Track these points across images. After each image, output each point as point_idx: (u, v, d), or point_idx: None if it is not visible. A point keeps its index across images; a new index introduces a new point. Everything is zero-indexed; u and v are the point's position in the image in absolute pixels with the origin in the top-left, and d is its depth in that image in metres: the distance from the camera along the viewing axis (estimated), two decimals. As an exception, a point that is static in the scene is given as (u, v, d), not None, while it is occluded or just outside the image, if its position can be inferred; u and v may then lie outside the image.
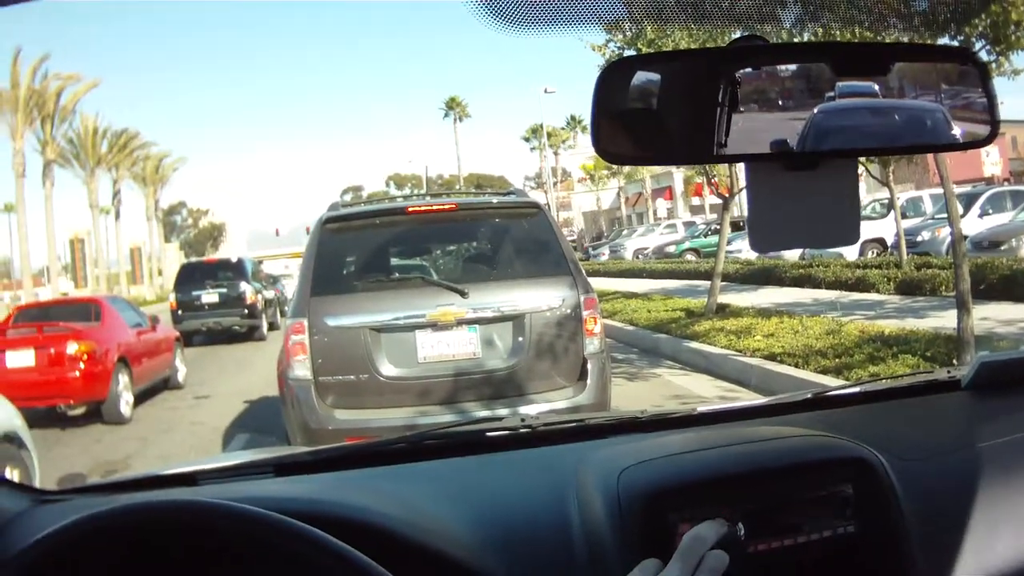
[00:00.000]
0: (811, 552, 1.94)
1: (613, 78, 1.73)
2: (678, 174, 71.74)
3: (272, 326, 29.41)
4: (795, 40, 2.17)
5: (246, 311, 28.70)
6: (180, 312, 28.35)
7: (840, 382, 9.49)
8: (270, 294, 32.13)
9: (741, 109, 1.70)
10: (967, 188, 34.10)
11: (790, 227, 1.83)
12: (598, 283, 23.95)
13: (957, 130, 1.81)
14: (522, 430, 2.63)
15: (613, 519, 1.89)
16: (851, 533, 1.97)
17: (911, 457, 2.23)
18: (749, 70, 1.74)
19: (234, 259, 31.93)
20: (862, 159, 21.40)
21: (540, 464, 2.35)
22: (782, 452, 2.12)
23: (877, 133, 1.81)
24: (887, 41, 2.39)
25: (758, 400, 3.11)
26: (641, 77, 1.74)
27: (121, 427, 14.17)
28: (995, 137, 1.83)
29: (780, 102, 1.76)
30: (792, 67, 1.78)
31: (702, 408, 2.84)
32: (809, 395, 2.92)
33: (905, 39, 2.57)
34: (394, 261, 9.02)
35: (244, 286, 28.96)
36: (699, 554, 1.52)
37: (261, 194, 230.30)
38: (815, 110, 1.73)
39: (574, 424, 2.70)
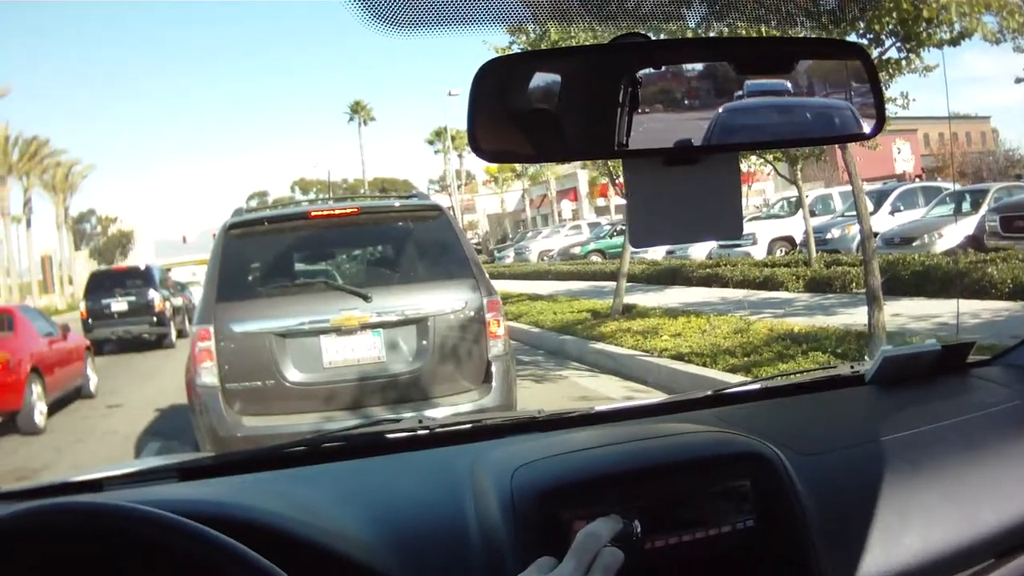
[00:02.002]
0: (711, 548, 1.95)
1: (490, 75, 1.72)
2: (583, 175, 71.53)
3: (181, 333, 28.96)
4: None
5: (155, 319, 28.46)
6: (90, 321, 28.04)
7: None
8: (178, 301, 31.74)
9: (640, 109, 1.72)
10: (878, 185, 34.34)
11: (671, 222, 1.84)
12: (503, 285, 23.94)
13: (843, 124, 1.85)
14: (420, 431, 2.63)
15: (507, 517, 1.90)
16: (751, 528, 1.97)
17: (813, 451, 2.25)
18: (650, 69, 1.76)
19: (142, 267, 31.61)
20: (769, 156, 21.63)
21: (437, 464, 2.36)
22: (678, 448, 2.13)
23: (767, 129, 1.84)
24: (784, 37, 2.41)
25: (658, 398, 3.13)
26: (519, 73, 1.75)
27: (36, 437, 14.01)
28: (879, 131, 1.88)
29: (678, 101, 1.78)
30: (690, 67, 1.80)
31: (600, 407, 2.85)
32: (710, 392, 2.92)
33: (813, 36, 2.62)
34: (298, 266, 9.01)
35: (152, 294, 28.70)
36: (593, 551, 1.52)
37: (168, 201, 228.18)
38: (720, 108, 1.77)
39: (472, 425, 2.71)
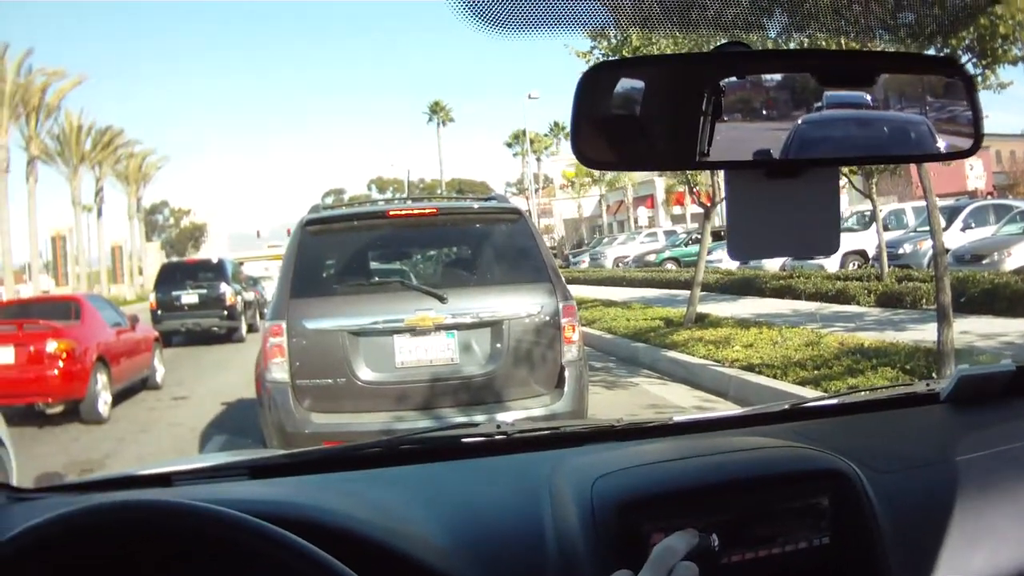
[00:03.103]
0: (786, 564, 1.94)
1: (594, 82, 1.71)
2: (660, 182, 71.55)
3: (251, 328, 29.34)
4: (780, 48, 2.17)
5: (225, 312, 28.59)
6: (160, 312, 28.25)
7: (818, 394, 9.48)
8: (250, 296, 32.05)
9: (725, 118, 1.69)
10: (950, 201, 34.10)
11: (770, 235, 1.82)
12: (577, 290, 23.96)
13: (941, 142, 1.80)
14: (497, 437, 2.61)
15: (586, 527, 1.88)
16: (826, 545, 1.97)
17: (888, 469, 2.22)
18: (734, 79, 1.72)
19: (214, 260, 31.81)
20: (844, 169, 21.49)
21: (514, 471, 2.34)
22: (757, 463, 2.12)
23: (860, 143, 1.80)
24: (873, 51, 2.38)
25: (734, 411, 3.10)
26: (624, 83, 1.72)
27: (99, 426, 14.09)
28: (978, 149, 1.83)
29: (764, 112, 1.74)
30: (777, 77, 1.77)
31: (678, 418, 2.82)
32: (786, 406, 2.90)
33: (891, 50, 2.57)
34: (374, 265, 9.02)
35: (224, 287, 28.84)
36: (669, 565, 1.51)
37: (243, 195, 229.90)
38: (799, 120, 1.72)
39: (549, 431, 2.69)
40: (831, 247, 1.85)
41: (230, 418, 13.24)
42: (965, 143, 1.82)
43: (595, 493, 1.94)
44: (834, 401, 3.03)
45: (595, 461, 2.13)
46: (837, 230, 1.83)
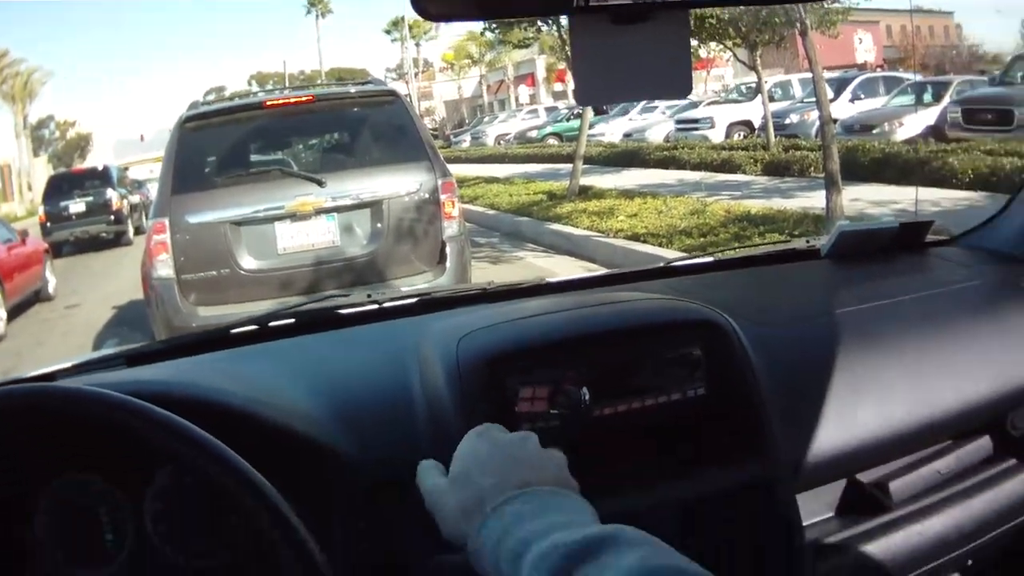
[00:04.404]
0: (661, 416, 1.91)
1: None
2: (540, 61, 70.84)
3: (138, 231, 28.62)
4: None
5: (112, 217, 28.28)
6: (48, 224, 27.74)
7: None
8: (136, 199, 31.45)
9: None
10: (839, 74, 34.22)
11: (619, 80, 1.77)
12: (460, 169, 23.75)
13: None
14: (369, 306, 2.60)
15: (452, 386, 1.86)
16: (701, 396, 1.93)
17: (767, 323, 2.20)
18: None
19: (100, 167, 31.37)
20: (728, 43, 21.47)
21: (385, 337, 2.33)
22: (627, 314, 2.08)
23: None
24: None
25: (610, 271, 3.07)
26: None
27: (-4, 343, 13.94)
28: None
29: None
30: None
31: (551, 279, 2.80)
32: (662, 264, 2.91)
33: None
34: (254, 156, 8.91)
35: (110, 193, 28.47)
36: None
37: (127, 102, 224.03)
38: None
39: (420, 298, 2.66)
40: (683, 89, 1.80)
41: (122, 320, 13.13)
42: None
43: (460, 351, 1.91)
44: (711, 259, 3.02)
45: (462, 322, 2.09)
46: (688, 72, 1.78)
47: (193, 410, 1.50)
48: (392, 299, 2.67)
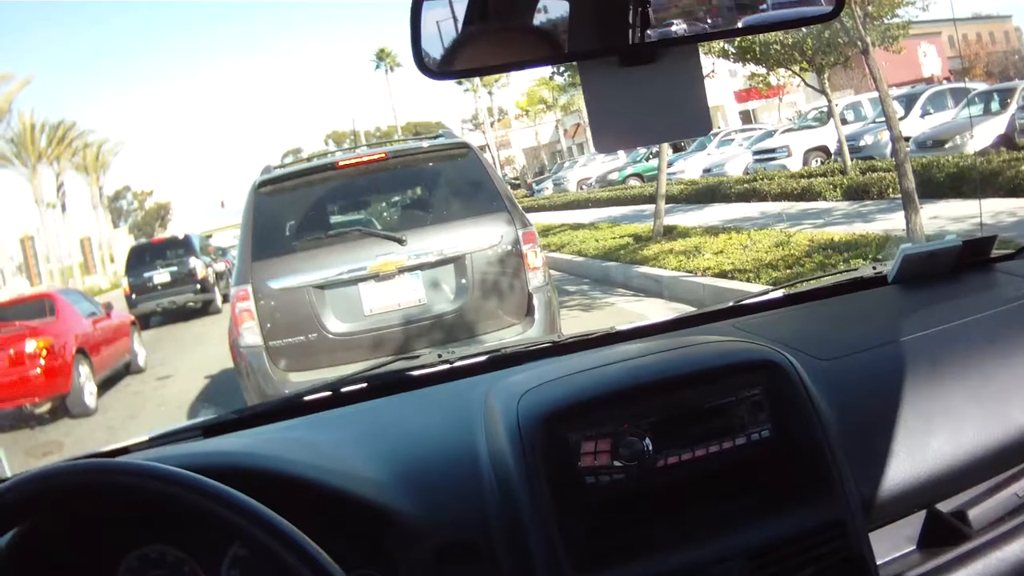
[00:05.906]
0: (728, 460, 1.93)
1: None
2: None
3: (226, 298, 29.11)
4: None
5: (198, 286, 28.52)
6: (134, 296, 28.10)
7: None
8: (220, 266, 31.86)
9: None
10: (906, 89, 34.02)
11: (633, 124, 1.78)
12: (544, 217, 23.94)
13: (799, 7, 1.78)
14: (440, 366, 2.62)
15: (514, 443, 1.88)
16: (767, 438, 1.95)
17: (833, 356, 2.20)
18: None
19: (181, 236, 31.68)
20: (795, 67, 21.41)
21: (453, 397, 2.35)
22: (683, 361, 2.09)
23: (715, 16, 1.77)
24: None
25: (679, 314, 3.06)
26: None
27: (88, 418, 14.08)
28: (841, 9, 1.79)
29: None
30: None
31: (621, 326, 2.80)
32: (731, 303, 2.89)
33: None
34: (332, 218, 8.93)
35: (193, 262, 28.73)
36: None
37: (204, 168, 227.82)
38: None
39: (490, 355, 2.68)
40: (702, 128, 1.82)
41: (215, 390, 13.22)
42: (826, 6, 1.80)
43: (520, 409, 1.93)
44: (779, 293, 3.00)
45: (526, 378, 2.12)
46: (706, 108, 1.79)
47: (258, 481, 1.60)
48: (461, 358, 2.70)
